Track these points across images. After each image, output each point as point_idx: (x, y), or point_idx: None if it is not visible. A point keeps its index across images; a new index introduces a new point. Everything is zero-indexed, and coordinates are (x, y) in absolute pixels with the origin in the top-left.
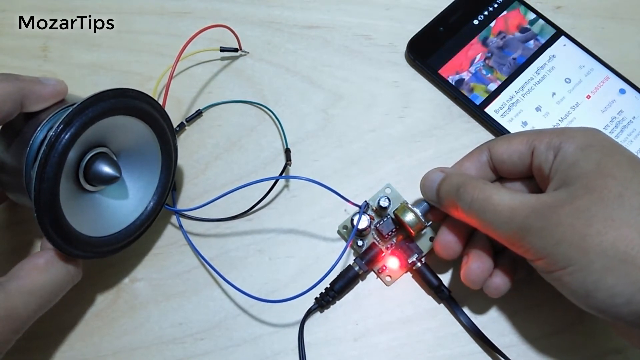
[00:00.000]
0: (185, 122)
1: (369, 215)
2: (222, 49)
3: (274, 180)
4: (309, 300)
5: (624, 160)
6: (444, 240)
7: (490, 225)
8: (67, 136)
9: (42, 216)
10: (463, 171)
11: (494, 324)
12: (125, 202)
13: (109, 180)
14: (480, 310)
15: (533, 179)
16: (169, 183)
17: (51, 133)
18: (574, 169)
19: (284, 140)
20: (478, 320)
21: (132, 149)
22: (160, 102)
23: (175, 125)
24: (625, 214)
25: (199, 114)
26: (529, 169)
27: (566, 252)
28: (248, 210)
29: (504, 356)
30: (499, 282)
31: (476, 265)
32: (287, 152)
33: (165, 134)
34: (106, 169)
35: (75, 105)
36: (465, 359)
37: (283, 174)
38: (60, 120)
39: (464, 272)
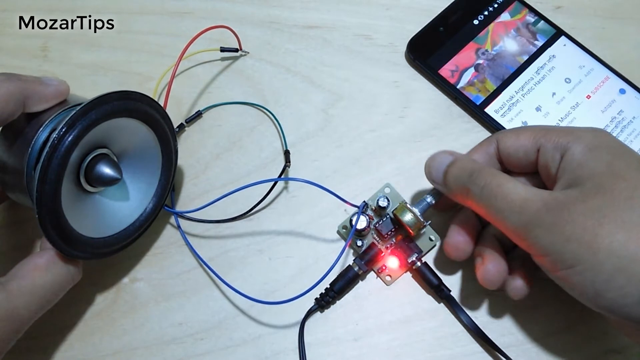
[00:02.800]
0: (185, 124)
1: (368, 215)
2: (222, 49)
3: (272, 182)
4: (308, 301)
5: (634, 162)
6: (454, 241)
7: (500, 213)
8: (70, 138)
9: (44, 218)
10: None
11: (494, 323)
12: (125, 204)
13: (110, 181)
14: (480, 310)
15: (538, 175)
16: (169, 184)
17: (54, 135)
18: (583, 169)
19: (283, 142)
20: (478, 320)
21: (133, 151)
22: (161, 103)
23: (175, 126)
24: (635, 217)
25: (198, 115)
26: (534, 165)
27: (575, 250)
28: (247, 212)
29: (505, 355)
30: (519, 283)
31: (492, 265)
32: (287, 153)
33: (167, 137)
34: (107, 171)
35: (78, 108)
36: (466, 359)
37: (282, 176)
38: (64, 123)
39: (481, 273)
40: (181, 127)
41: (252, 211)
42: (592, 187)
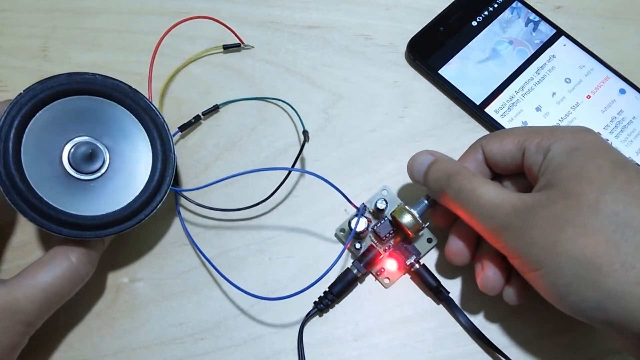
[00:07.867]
0: (201, 115)
1: (366, 217)
2: (226, 47)
3: (286, 173)
4: (307, 301)
5: (606, 164)
6: (454, 247)
7: (474, 217)
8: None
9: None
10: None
11: (493, 324)
12: (120, 187)
13: (93, 167)
14: (480, 310)
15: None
16: (167, 161)
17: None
18: (558, 173)
19: (301, 123)
20: (477, 320)
21: (118, 136)
22: (157, 103)
23: (190, 121)
24: (597, 222)
25: (215, 108)
26: (521, 167)
27: (538, 254)
28: (261, 201)
29: (504, 355)
30: (511, 291)
31: (491, 272)
32: (305, 133)
33: (140, 112)
34: (88, 156)
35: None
36: (466, 359)
37: (301, 154)
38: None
39: (481, 279)
40: (197, 118)
41: (258, 208)
42: (559, 192)
